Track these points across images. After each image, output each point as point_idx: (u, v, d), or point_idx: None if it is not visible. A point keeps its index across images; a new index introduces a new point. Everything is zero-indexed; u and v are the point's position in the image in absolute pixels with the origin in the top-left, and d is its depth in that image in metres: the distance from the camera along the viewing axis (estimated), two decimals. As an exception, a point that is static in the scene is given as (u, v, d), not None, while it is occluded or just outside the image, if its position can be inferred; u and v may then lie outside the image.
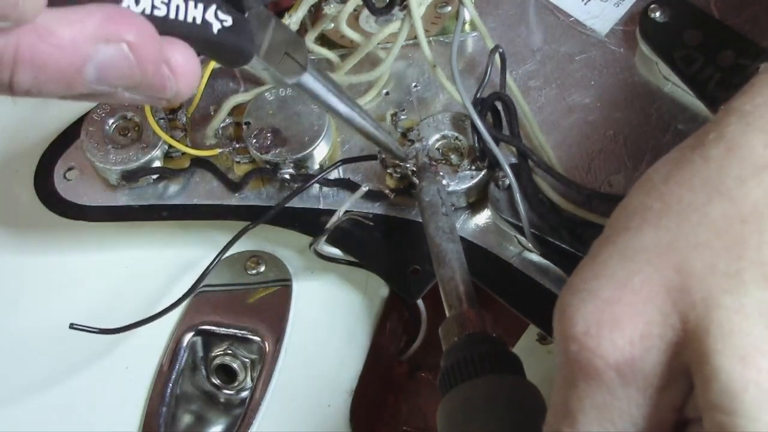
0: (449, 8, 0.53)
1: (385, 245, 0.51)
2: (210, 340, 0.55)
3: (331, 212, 0.51)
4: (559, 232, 0.47)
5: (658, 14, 0.52)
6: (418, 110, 0.54)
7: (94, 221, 0.54)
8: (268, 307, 0.54)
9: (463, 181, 0.50)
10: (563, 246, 0.47)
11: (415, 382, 0.57)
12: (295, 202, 0.53)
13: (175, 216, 0.54)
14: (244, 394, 0.54)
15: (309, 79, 0.41)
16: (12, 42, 0.28)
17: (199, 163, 0.54)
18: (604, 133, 0.51)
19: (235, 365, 0.54)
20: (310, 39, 0.54)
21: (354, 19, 0.54)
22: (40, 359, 0.54)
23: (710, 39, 0.50)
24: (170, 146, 0.53)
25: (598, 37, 0.55)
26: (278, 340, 0.53)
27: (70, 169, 0.55)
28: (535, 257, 0.49)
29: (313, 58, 0.55)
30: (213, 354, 0.55)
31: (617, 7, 0.55)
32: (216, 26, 0.34)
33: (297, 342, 0.53)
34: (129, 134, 0.54)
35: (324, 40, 0.55)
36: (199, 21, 0.33)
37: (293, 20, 0.51)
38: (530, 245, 0.47)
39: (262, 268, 0.55)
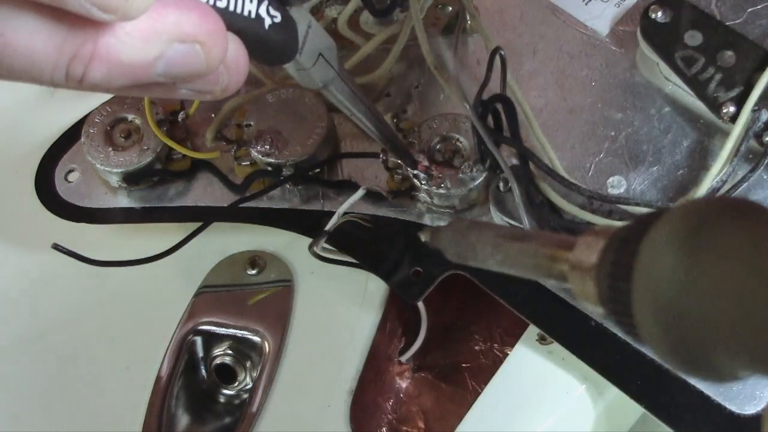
0: (450, 9, 0.53)
1: (386, 247, 0.51)
2: (210, 340, 0.55)
3: (332, 214, 0.51)
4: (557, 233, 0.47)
5: (659, 14, 0.52)
6: (419, 112, 0.54)
7: (96, 223, 0.54)
8: (268, 307, 0.55)
9: (465, 183, 0.49)
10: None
11: (415, 382, 0.57)
12: (297, 204, 0.53)
13: (176, 218, 0.54)
14: (244, 394, 0.54)
15: (338, 83, 0.41)
16: (91, 38, 0.27)
17: (200, 165, 0.54)
18: (605, 133, 0.51)
19: (235, 365, 0.54)
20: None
21: (355, 21, 0.53)
22: (41, 360, 0.55)
23: (711, 39, 0.50)
24: (171, 148, 0.53)
25: (599, 37, 0.55)
26: (278, 340, 0.53)
27: (71, 171, 0.55)
28: (536, 258, 0.49)
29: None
30: (213, 354, 0.55)
31: (618, 8, 0.55)
32: (267, 21, 0.33)
33: (297, 342, 0.53)
34: (130, 136, 0.54)
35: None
36: (253, 15, 0.33)
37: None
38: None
39: (263, 269, 0.55)
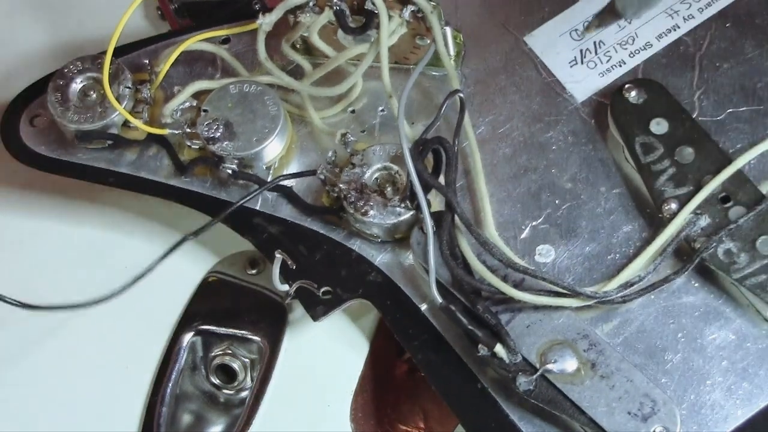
0: (427, 41, 0.52)
1: (308, 259, 0.51)
2: (210, 340, 0.55)
3: (266, 216, 0.52)
4: (463, 289, 0.46)
5: (632, 94, 0.50)
6: (378, 135, 0.54)
7: (44, 171, 0.55)
8: (268, 307, 0.55)
9: (389, 216, 0.49)
10: (465, 303, 0.46)
11: (415, 382, 0.57)
12: (234, 198, 0.53)
13: (120, 184, 0.54)
14: (244, 394, 0.54)
15: None
16: None
17: (156, 138, 0.54)
18: (550, 200, 0.50)
19: (235, 365, 0.55)
20: (287, 44, 0.54)
21: (333, 32, 0.53)
22: (39, 359, 0.55)
23: (676, 132, 0.49)
24: (129, 115, 0.54)
25: (574, 102, 0.53)
26: (278, 340, 0.54)
27: (36, 116, 0.56)
28: (443, 308, 0.48)
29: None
30: (213, 354, 0.55)
31: (601, 77, 0.53)
32: None
33: (297, 342, 0.54)
34: (93, 96, 0.54)
35: (306, 46, 0.55)
36: None
37: (266, 21, 0.51)
38: (433, 293, 0.46)
39: (263, 269, 0.56)
